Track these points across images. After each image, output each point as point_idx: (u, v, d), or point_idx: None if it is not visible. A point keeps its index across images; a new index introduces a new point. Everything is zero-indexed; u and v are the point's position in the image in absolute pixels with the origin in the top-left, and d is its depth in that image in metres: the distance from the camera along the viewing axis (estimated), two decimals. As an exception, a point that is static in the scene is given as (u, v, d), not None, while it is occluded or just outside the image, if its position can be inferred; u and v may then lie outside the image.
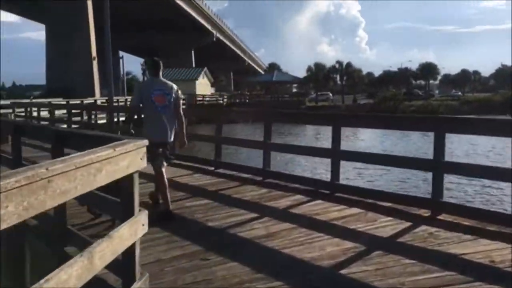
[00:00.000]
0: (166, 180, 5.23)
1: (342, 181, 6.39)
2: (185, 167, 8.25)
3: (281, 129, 25.07)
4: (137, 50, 78.05)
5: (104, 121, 12.49)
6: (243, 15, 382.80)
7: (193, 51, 71.80)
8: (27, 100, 24.16)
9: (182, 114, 5.49)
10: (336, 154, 6.05)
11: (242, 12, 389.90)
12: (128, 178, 2.85)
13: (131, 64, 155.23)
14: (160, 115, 5.20)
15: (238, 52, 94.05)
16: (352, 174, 13.09)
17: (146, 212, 2.97)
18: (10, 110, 18.07)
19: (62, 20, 42.41)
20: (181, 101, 5.56)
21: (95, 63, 45.24)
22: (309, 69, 71.98)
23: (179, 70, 56.04)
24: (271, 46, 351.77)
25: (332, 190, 5.99)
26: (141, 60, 67.46)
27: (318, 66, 71.42)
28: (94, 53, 45.09)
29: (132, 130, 5.40)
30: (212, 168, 7.95)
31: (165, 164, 5.26)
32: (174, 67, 58.04)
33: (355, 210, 5.20)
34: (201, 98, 48.85)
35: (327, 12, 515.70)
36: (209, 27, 70.78)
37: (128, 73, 71.69)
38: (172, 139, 5.35)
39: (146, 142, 2.99)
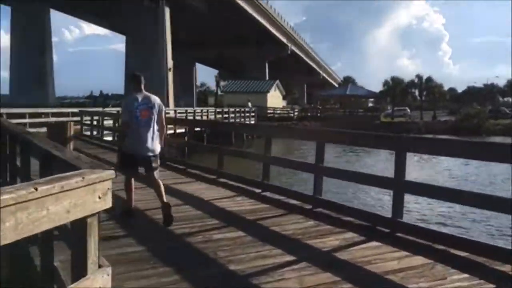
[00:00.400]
0: (133, 191, 5.66)
1: (407, 215, 5.26)
2: (230, 187, 7.48)
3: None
4: (213, 62, 79.57)
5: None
6: (320, 29, 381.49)
7: (267, 64, 71.82)
8: (98, 109, 24.82)
9: (165, 124, 5.71)
10: (399, 185, 4.96)
11: (320, 26, 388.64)
12: (79, 225, 2.07)
13: (207, 76, 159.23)
14: (145, 129, 5.37)
15: (313, 65, 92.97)
16: (421, 208, 11.05)
17: (108, 270, 2.16)
18: (78, 118, 18.48)
19: (141, 32, 43.95)
20: (163, 113, 5.68)
21: (170, 74, 46.40)
22: (385, 83, 69.25)
23: (251, 82, 56.14)
24: (348, 60, 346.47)
25: (392, 229, 4.90)
26: (215, 72, 68.49)
27: (396, 80, 68.46)
28: (170, 64, 46.27)
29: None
30: (259, 191, 7.10)
31: (156, 174, 5.53)
32: (247, 79, 58.33)
33: (419, 260, 4.08)
34: (271, 111, 48.34)
35: (408, 25, 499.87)
36: (284, 40, 70.52)
37: (202, 85, 73.08)
38: (157, 151, 5.53)
39: (111, 174, 2.19)
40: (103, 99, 56.00)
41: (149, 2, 44.27)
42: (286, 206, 6.18)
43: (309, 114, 53.25)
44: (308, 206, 6.05)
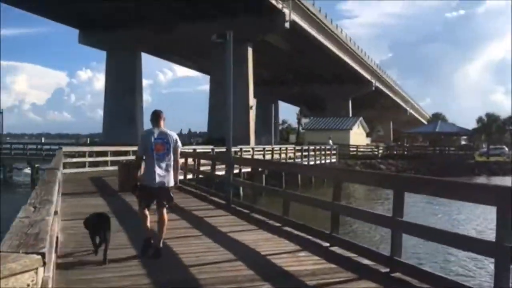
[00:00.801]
0: (148, 222, 5.76)
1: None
2: (294, 238, 6.53)
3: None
4: (295, 100, 79.55)
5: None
6: (408, 65, 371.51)
7: (350, 101, 70.33)
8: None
9: (179, 160, 6.05)
10: (501, 253, 3.74)
11: (407, 62, 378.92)
12: None
13: (290, 113, 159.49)
14: (158, 163, 5.63)
15: (399, 101, 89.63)
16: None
17: None
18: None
19: (223, 71, 44.71)
20: (179, 149, 5.90)
21: (251, 112, 46.69)
22: (479, 120, 64.76)
23: (333, 119, 54.95)
24: (438, 96, 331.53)
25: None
26: (297, 109, 68.17)
27: (491, 117, 63.79)
28: (251, 102, 46.64)
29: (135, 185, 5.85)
30: (327, 245, 6.08)
31: (166, 206, 5.81)
32: (330, 116, 57.20)
33: None
34: (354, 149, 46.58)
35: (503, 59, 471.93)
36: (369, 77, 68.87)
37: (284, 122, 73.00)
38: (171, 183, 5.76)
39: (37, 260, 1.43)
40: (188, 137, 57.59)
41: (233, 44, 45.21)
42: (357, 267, 5.11)
43: (395, 152, 50.60)
44: (385, 269, 4.94)
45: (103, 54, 52.57)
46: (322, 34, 49.85)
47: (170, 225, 7.54)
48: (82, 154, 21.13)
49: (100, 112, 56.19)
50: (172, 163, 5.75)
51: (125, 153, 22.23)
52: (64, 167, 19.41)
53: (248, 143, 42.48)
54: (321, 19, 49.00)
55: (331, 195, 6.23)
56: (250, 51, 45.30)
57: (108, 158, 20.48)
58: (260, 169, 15.08)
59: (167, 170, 5.68)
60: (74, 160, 20.31)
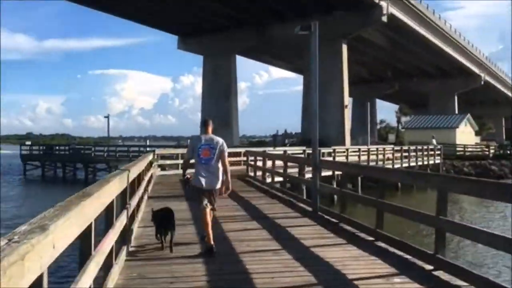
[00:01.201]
0: (208, 219, 6.00)
1: None
2: (389, 257, 5.50)
3: None
4: (393, 97, 75.80)
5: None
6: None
7: (456, 97, 65.26)
8: (269, 148, 24.54)
9: (227, 163, 6.22)
10: None
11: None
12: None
13: (388, 112, 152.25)
14: (205, 166, 6.03)
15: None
16: None
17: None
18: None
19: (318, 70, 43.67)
20: (226, 153, 6.21)
21: (347, 111, 45.07)
22: None
23: (437, 117, 51.27)
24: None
25: None
26: (396, 107, 64.75)
27: None
28: (346, 101, 45.04)
29: (187, 179, 6.38)
30: (430, 268, 4.99)
31: (209, 206, 6.07)
32: (433, 114, 53.48)
33: None
34: (461, 148, 42.88)
35: None
36: (477, 71, 63.35)
37: (382, 121, 69.85)
38: (217, 186, 6.12)
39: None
40: (281, 137, 57.37)
41: (326, 41, 44.14)
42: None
43: (508, 151, 45.75)
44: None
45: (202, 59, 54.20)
46: (424, 27, 46.60)
47: (250, 236, 6.88)
48: (176, 156, 21.45)
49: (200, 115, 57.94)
50: (217, 166, 6.12)
51: (238, 154, 22.21)
52: (163, 169, 19.82)
53: (343, 143, 40.99)
54: (422, 11, 45.82)
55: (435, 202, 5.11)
56: (344, 48, 43.73)
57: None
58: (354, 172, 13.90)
59: (213, 173, 6.09)
60: (168, 162, 20.67)
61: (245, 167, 19.34)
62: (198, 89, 55.77)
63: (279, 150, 21.97)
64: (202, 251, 5.85)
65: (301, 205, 10.02)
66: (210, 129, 6.27)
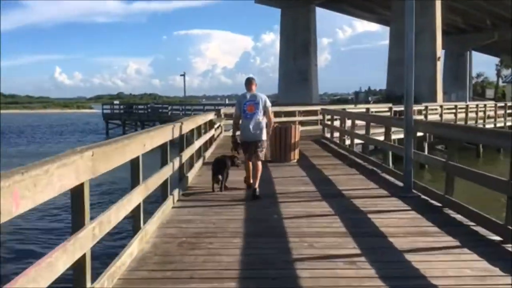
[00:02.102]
0: (250, 169, 6.76)
1: None
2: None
3: None
4: (493, 48, 68.06)
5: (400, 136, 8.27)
6: None
7: None
8: (349, 106, 22.01)
9: (271, 117, 6.92)
10: None
11: None
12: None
13: (486, 65, 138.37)
14: (250, 121, 6.66)
15: None
16: None
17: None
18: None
19: (403, 21, 39.77)
20: (270, 109, 6.81)
21: (439, 64, 40.69)
22: None
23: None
24: None
25: None
26: (493, 60, 57.95)
27: None
28: (438, 53, 40.59)
29: (236, 137, 7.09)
30: None
31: (252, 158, 6.74)
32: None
33: None
34: None
35: None
36: None
37: (479, 75, 63.23)
38: (262, 138, 6.72)
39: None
40: (364, 94, 53.89)
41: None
42: None
43: None
44: None
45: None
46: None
47: (315, 226, 5.00)
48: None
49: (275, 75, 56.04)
50: (262, 120, 6.68)
51: (314, 112, 20.39)
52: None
53: (434, 100, 37.11)
54: None
55: None
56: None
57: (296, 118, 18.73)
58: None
59: (258, 126, 6.64)
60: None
61: (321, 127, 17.22)
62: (279, 47, 53.33)
63: (360, 108, 19.51)
64: (248, 196, 6.48)
65: (388, 177, 7.87)
66: (253, 87, 6.79)
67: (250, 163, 6.72)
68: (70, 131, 50.95)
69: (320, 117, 19.91)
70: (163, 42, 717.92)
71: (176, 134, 6.28)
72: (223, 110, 15.84)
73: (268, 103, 6.74)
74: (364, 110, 19.04)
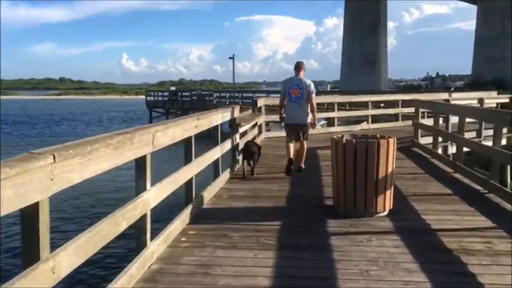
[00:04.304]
0: (291, 150, 6.99)
1: None
2: None
3: None
4: None
5: None
6: None
7: None
8: (432, 95, 16.12)
9: (314, 103, 7.06)
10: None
11: None
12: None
13: None
14: (294, 104, 7.01)
15: None
16: None
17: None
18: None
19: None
20: (313, 94, 7.07)
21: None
22: None
23: None
24: None
25: None
26: None
27: None
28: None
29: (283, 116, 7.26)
30: None
31: (300, 139, 7.13)
32: None
33: None
34: None
35: None
36: None
37: None
38: (306, 121, 7.06)
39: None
40: (440, 81, 47.15)
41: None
42: None
43: None
44: None
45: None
46: None
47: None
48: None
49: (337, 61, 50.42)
50: (305, 104, 7.00)
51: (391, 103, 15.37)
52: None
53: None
54: None
55: None
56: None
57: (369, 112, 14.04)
58: None
59: (302, 110, 7.01)
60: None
61: (409, 126, 11.79)
62: (342, 31, 48.05)
63: (457, 99, 13.82)
64: (292, 169, 6.86)
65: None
66: (301, 72, 7.13)
67: (291, 145, 6.97)
68: (109, 118, 48.44)
69: (398, 110, 14.62)
70: (225, 29, 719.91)
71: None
72: (262, 101, 10.88)
73: (312, 89, 7.04)
74: (465, 102, 13.30)
